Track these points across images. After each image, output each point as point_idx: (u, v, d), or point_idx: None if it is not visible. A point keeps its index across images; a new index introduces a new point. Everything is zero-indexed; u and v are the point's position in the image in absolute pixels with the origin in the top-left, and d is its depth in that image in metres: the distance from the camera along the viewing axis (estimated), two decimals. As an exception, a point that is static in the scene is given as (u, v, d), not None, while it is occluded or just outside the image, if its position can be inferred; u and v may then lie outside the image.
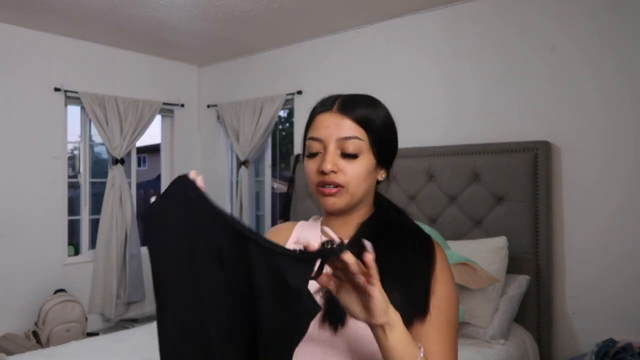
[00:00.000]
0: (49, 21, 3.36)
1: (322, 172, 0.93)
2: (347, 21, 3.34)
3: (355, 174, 0.93)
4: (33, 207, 3.52)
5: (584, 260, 2.48)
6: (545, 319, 2.49)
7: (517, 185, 2.55)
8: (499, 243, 2.43)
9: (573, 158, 2.52)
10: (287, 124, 4.30)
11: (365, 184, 0.96)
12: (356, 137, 0.93)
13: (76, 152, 3.96)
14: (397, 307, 0.86)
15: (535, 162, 2.51)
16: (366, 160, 0.94)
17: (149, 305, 4.21)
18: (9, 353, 2.81)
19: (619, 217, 2.38)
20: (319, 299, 0.90)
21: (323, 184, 0.94)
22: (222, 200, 4.46)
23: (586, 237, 2.47)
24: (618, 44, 2.39)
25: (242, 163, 4.07)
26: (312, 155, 0.97)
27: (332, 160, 0.92)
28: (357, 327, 0.87)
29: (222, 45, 3.94)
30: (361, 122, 0.94)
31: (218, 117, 4.39)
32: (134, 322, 3.80)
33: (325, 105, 0.97)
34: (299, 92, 3.77)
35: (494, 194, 2.63)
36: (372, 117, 0.95)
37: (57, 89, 3.63)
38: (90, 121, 3.89)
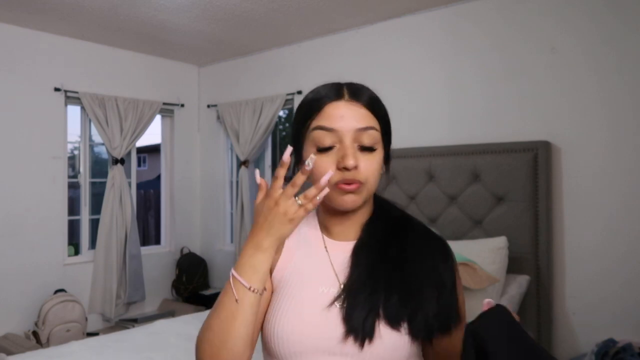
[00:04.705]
0: (49, 21, 3.36)
1: (345, 169, 0.84)
2: (347, 21, 3.34)
3: (372, 168, 0.87)
4: (33, 207, 3.52)
5: (584, 260, 2.48)
6: (545, 319, 2.49)
7: (517, 185, 2.55)
8: (499, 243, 2.43)
9: (573, 158, 2.52)
10: (287, 124, 4.30)
11: (378, 180, 0.90)
12: (372, 128, 0.87)
13: (76, 152, 3.96)
14: (433, 316, 0.84)
15: (535, 162, 2.51)
16: (380, 153, 0.89)
17: (149, 305, 4.21)
18: (9, 353, 2.81)
19: (619, 217, 2.38)
20: (337, 309, 0.86)
21: (344, 183, 0.85)
22: (222, 200, 4.46)
23: (586, 237, 2.47)
24: (618, 44, 2.39)
25: (242, 163, 4.07)
26: (325, 149, 0.86)
27: (353, 154, 0.85)
28: (386, 343, 0.82)
29: (222, 45, 3.94)
30: (372, 108, 0.89)
31: (218, 117, 4.40)
32: (134, 322, 3.79)
33: (332, 94, 0.89)
34: (299, 92, 3.77)
35: (494, 194, 2.63)
36: (378, 100, 0.91)
37: (57, 89, 3.63)
38: (90, 121, 3.89)
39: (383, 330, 0.82)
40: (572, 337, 2.51)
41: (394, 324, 0.82)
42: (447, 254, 0.91)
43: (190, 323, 2.59)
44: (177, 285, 4.30)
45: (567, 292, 2.53)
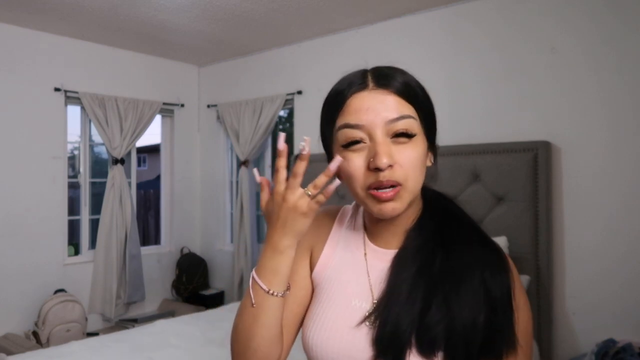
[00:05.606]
0: (49, 21, 3.36)
1: (377, 169, 0.72)
2: (347, 21, 3.34)
3: (413, 164, 0.74)
4: (33, 207, 3.52)
5: (583, 260, 2.48)
6: (545, 319, 2.49)
7: (517, 185, 2.55)
8: (499, 243, 2.42)
9: (573, 158, 2.52)
10: (287, 124, 4.30)
11: (422, 176, 0.78)
12: (408, 116, 0.74)
13: (76, 152, 3.96)
14: (482, 338, 0.72)
15: (535, 162, 2.51)
16: (420, 143, 0.76)
17: (149, 305, 4.22)
18: (9, 353, 2.81)
19: (619, 217, 2.38)
20: (367, 329, 0.78)
21: (378, 186, 0.73)
22: (222, 200, 4.46)
23: (586, 237, 2.47)
24: (618, 44, 2.39)
25: (242, 163, 4.08)
26: (352, 144, 0.75)
27: (386, 151, 0.72)
28: None
29: (222, 45, 3.94)
30: (406, 95, 0.76)
31: (218, 117, 4.40)
32: (134, 322, 3.79)
33: (355, 84, 0.77)
34: (299, 92, 3.77)
35: (494, 194, 2.63)
36: (413, 84, 0.78)
37: (57, 89, 3.63)
38: (90, 121, 3.89)
39: (413, 359, 0.73)
40: (572, 337, 2.51)
41: (427, 353, 0.72)
42: (502, 265, 0.77)
43: (190, 323, 2.59)
44: (177, 285, 4.30)
45: (567, 292, 2.53)
